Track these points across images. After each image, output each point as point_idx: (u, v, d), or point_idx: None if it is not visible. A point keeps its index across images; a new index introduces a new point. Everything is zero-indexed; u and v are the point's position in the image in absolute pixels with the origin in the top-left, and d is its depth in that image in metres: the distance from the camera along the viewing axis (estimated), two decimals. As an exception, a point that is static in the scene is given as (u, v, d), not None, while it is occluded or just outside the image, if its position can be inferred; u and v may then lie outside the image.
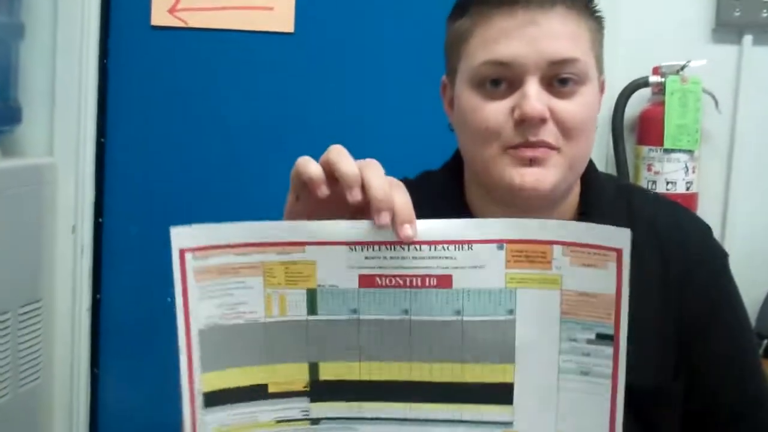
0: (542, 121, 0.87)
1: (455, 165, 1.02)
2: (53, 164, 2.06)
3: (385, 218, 0.71)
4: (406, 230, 0.71)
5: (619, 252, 0.72)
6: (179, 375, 0.74)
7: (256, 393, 0.76)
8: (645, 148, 1.96)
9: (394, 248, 0.73)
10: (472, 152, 0.94)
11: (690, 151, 1.94)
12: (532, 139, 0.87)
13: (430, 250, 0.73)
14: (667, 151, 1.93)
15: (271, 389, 0.76)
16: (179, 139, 2.13)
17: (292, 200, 0.77)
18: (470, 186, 1.00)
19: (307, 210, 0.76)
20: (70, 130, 2.07)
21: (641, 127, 2.00)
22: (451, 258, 0.73)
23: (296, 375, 0.76)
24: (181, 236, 0.74)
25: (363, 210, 0.73)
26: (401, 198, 0.72)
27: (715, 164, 2.03)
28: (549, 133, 0.88)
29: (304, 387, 0.76)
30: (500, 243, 0.73)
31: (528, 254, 0.73)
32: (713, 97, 1.96)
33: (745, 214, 2.02)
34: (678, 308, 0.96)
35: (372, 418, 0.76)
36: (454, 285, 0.74)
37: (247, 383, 0.76)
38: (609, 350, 0.73)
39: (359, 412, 0.76)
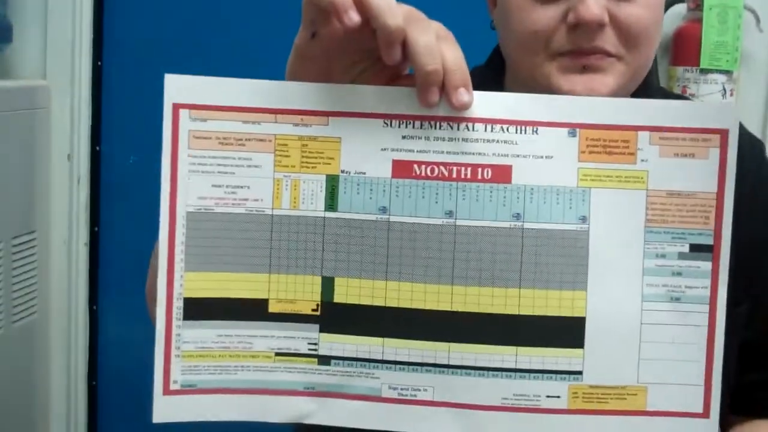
0: (600, 26, 0.73)
1: (496, 62, 0.89)
2: (46, 87, 1.94)
3: (434, 96, 0.57)
4: (461, 96, 0.57)
5: (724, 134, 0.58)
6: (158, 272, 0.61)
7: (253, 310, 0.61)
8: (680, 69, 1.83)
9: (440, 126, 0.59)
10: (515, 56, 0.80)
11: (728, 72, 1.80)
12: (587, 46, 0.74)
13: (485, 130, 0.59)
14: (703, 71, 1.79)
15: (272, 308, 0.61)
16: (182, 60, 1.99)
17: (304, 38, 0.61)
18: (512, 88, 0.86)
19: (325, 51, 0.61)
20: (65, 51, 1.94)
21: (676, 46, 1.86)
22: (512, 143, 0.59)
23: (305, 292, 0.61)
24: (178, 87, 0.60)
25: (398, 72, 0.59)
26: (453, 54, 0.57)
27: (755, 86, 1.89)
28: (607, 40, 0.74)
29: (314, 310, 0.61)
30: (573, 127, 0.59)
31: (607, 143, 0.59)
32: (755, 13, 1.82)
33: (788, 140, 1.89)
34: (736, 228, 0.84)
35: (398, 363, 0.61)
36: (514, 180, 0.59)
37: (243, 295, 0.61)
38: (707, 265, 0.60)
39: (382, 352, 0.61)
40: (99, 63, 1.99)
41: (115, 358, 2.04)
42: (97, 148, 2.00)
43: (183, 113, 0.60)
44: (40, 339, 1.95)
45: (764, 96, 1.90)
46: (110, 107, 2.00)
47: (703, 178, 0.59)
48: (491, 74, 0.87)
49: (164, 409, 0.61)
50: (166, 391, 0.61)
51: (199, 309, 0.61)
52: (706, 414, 0.61)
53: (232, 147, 0.60)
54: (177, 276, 0.61)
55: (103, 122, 2.00)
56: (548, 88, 0.75)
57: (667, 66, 1.88)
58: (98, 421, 2.01)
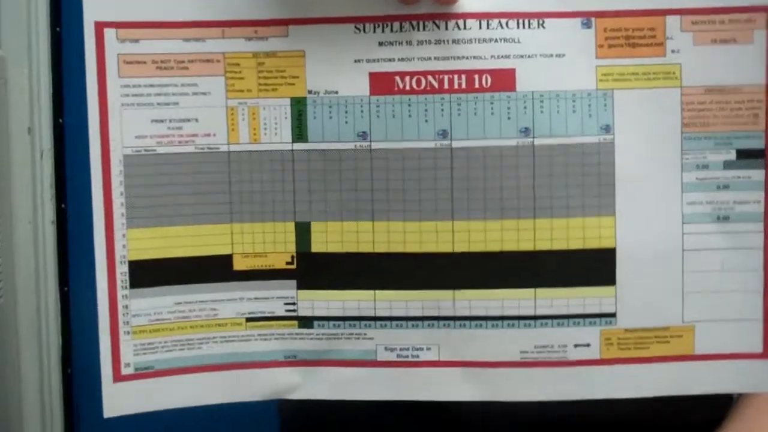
0: None
1: None
2: (2, 57, 1.86)
3: None
4: None
5: None
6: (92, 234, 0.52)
7: (215, 270, 0.54)
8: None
9: (423, 26, 0.51)
10: None
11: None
12: None
13: (480, 27, 0.51)
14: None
15: (238, 265, 0.53)
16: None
17: None
18: None
19: None
20: (20, 17, 1.86)
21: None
22: (514, 41, 0.51)
23: (276, 242, 0.53)
24: (99, 1, 0.52)
25: None
26: None
27: None
28: None
29: (289, 263, 0.53)
30: (587, 17, 0.51)
31: (629, 33, 0.51)
32: None
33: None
34: None
35: (394, 318, 0.53)
36: (519, 87, 0.51)
37: (201, 252, 0.53)
38: (759, 174, 0.52)
39: (374, 307, 0.53)
40: (57, 29, 1.91)
41: (91, 343, 1.94)
42: (60, 120, 1.92)
43: (109, 33, 0.52)
44: (8, 325, 1.88)
45: None
46: (71, 76, 1.91)
47: (748, 67, 0.51)
48: None
49: (116, 400, 0.54)
50: (117, 377, 0.54)
51: (148, 273, 0.53)
52: (766, 354, 0.53)
53: (172, 71, 0.52)
54: (118, 235, 0.53)
55: (64, 92, 1.91)
56: None
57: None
58: (75, 412, 1.95)
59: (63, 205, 1.93)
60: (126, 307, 0.53)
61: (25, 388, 1.92)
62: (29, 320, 1.91)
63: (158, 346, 0.54)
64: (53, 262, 1.92)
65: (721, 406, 0.62)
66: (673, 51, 0.51)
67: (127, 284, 0.53)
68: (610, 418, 0.59)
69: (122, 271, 0.53)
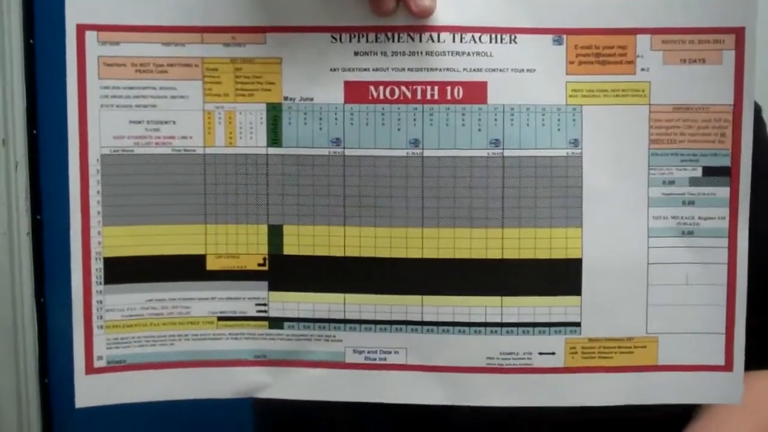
0: None
1: None
2: None
3: (388, 2, 0.50)
4: (423, 0, 0.50)
5: (740, 33, 0.50)
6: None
7: (189, 269, 0.54)
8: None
9: (398, 37, 0.51)
10: None
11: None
12: None
13: (454, 41, 0.51)
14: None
15: (211, 265, 0.54)
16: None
17: None
18: None
19: None
20: (-7, 28, 1.86)
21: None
22: (486, 55, 0.51)
23: (249, 244, 0.54)
24: (81, 4, 0.52)
25: None
26: None
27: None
28: None
29: (261, 265, 0.54)
30: (558, 33, 0.51)
31: (600, 51, 0.52)
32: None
33: None
34: None
35: (363, 321, 0.54)
36: (490, 99, 0.52)
37: (175, 251, 0.54)
38: (724, 191, 0.52)
39: (343, 310, 0.54)
40: (31, 41, 1.88)
41: (67, 353, 1.93)
42: (34, 131, 1.90)
43: (90, 36, 0.52)
44: (-16, 337, 1.87)
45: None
46: (45, 87, 1.90)
47: (716, 87, 0.51)
48: None
49: (88, 391, 0.54)
50: (90, 370, 0.54)
51: (122, 270, 0.54)
52: (728, 366, 0.53)
53: (151, 75, 0.53)
54: (94, 232, 0.53)
55: (38, 103, 1.90)
56: None
57: None
58: (53, 422, 1.92)
59: (38, 216, 1.92)
60: (100, 302, 0.54)
61: (2, 399, 1.90)
62: (6, 332, 1.90)
63: (131, 341, 0.54)
64: (29, 274, 1.90)
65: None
66: (642, 69, 0.51)
67: (102, 280, 0.54)
68: (580, 420, 0.59)
69: (97, 267, 0.53)
